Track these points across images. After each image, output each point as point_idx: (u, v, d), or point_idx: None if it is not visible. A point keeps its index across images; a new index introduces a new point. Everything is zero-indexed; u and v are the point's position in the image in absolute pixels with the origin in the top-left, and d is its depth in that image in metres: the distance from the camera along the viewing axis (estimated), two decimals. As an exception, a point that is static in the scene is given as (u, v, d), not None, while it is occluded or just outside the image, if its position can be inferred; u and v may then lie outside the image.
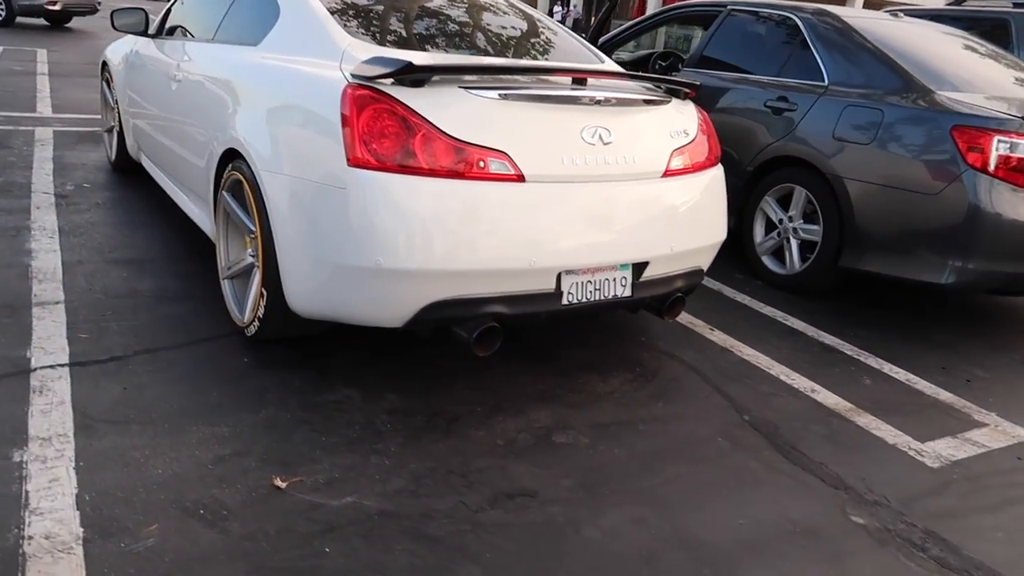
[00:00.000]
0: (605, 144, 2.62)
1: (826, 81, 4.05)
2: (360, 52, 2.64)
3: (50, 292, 3.15)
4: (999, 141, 3.34)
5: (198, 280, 3.45)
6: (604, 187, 2.58)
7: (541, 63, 2.68)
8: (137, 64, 4.38)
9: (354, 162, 2.33)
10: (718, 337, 3.43)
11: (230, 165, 2.91)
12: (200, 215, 3.45)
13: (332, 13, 2.88)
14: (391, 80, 2.38)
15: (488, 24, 3.24)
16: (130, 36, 4.67)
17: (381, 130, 2.35)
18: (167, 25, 4.28)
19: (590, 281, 2.61)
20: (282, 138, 2.56)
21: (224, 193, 3.00)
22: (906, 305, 4.21)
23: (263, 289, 2.69)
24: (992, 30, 5.35)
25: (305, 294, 2.53)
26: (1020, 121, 3.36)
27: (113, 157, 5.05)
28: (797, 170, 4.07)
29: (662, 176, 2.75)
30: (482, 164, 2.41)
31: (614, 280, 2.67)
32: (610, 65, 3.35)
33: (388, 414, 2.52)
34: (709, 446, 2.54)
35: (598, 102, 2.64)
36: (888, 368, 3.31)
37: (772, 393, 2.97)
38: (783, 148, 4.11)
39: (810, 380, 3.12)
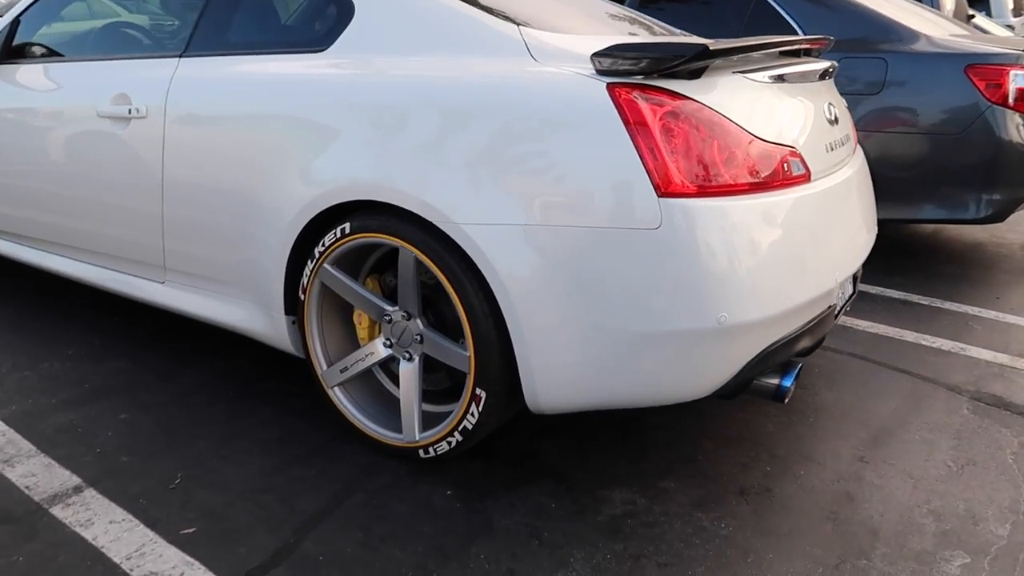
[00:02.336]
0: (835, 124, 2.22)
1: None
2: (542, 41, 1.93)
3: None
4: (1016, 75, 3.51)
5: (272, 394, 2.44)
6: (847, 174, 2.18)
7: (777, 37, 2.12)
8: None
9: (669, 190, 1.68)
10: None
11: (337, 230, 2.02)
12: (220, 306, 2.41)
13: None
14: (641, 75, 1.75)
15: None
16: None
17: (693, 142, 1.71)
18: (21, 41, 2.94)
19: (841, 292, 2.20)
20: (506, 175, 1.78)
21: (329, 268, 2.08)
22: (941, 250, 4.38)
23: (477, 390, 1.90)
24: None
25: (568, 383, 1.81)
26: (1024, 54, 3.57)
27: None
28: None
29: (853, 155, 2.41)
30: (786, 168, 1.89)
31: (844, 290, 2.27)
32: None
33: (700, 508, 1.92)
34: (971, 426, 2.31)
35: (826, 74, 2.22)
36: (969, 308, 3.37)
37: (942, 360, 2.82)
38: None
39: (949, 340, 3.03)
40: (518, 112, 1.78)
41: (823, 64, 2.21)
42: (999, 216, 3.67)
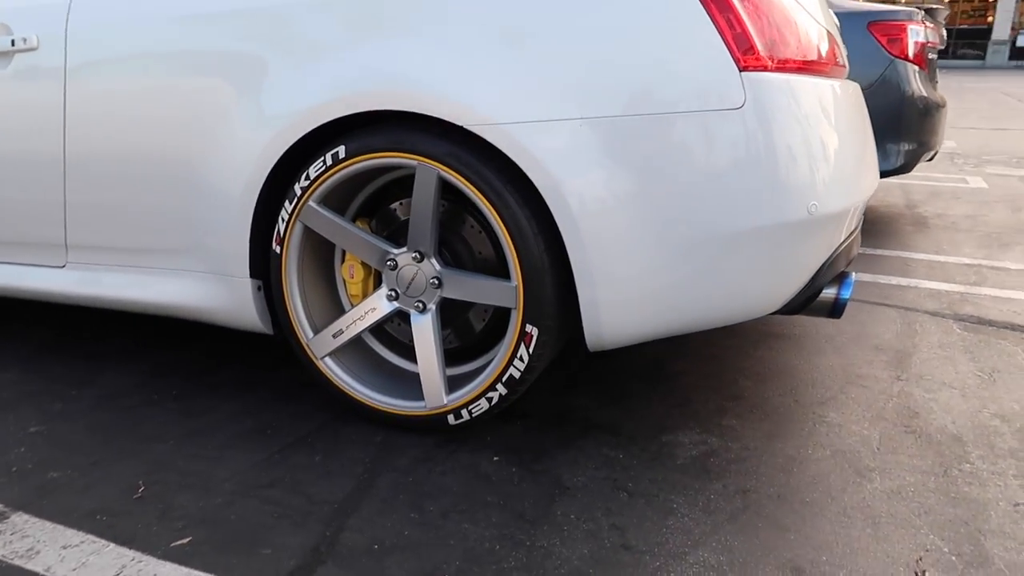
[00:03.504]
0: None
1: None
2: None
3: None
4: (913, 29, 3.69)
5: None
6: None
7: None
8: None
9: (751, 64, 1.47)
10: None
11: (327, 156, 1.65)
12: (150, 283, 1.92)
13: None
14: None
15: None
16: None
17: (765, 10, 1.52)
18: None
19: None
20: (551, 59, 1.49)
21: (315, 207, 1.70)
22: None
23: (528, 327, 1.58)
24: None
25: (639, 308, 1.54)
26: (918, 11, 3.76)
27: None
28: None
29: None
30: (838, 55, 1.75)
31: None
32: None
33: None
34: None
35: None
36: (902, 253, 3.46)
37: (908, 293, 2.83)
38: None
39: (903, 277, 3.07)
40: (559, -10, 1.52)
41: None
42: (908, 166, 3.83)
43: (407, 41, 1.58)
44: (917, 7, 3.92)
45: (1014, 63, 28.45)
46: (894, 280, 3.00)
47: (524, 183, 1.54)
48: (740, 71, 1.46)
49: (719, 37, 1.46)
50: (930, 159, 4.07)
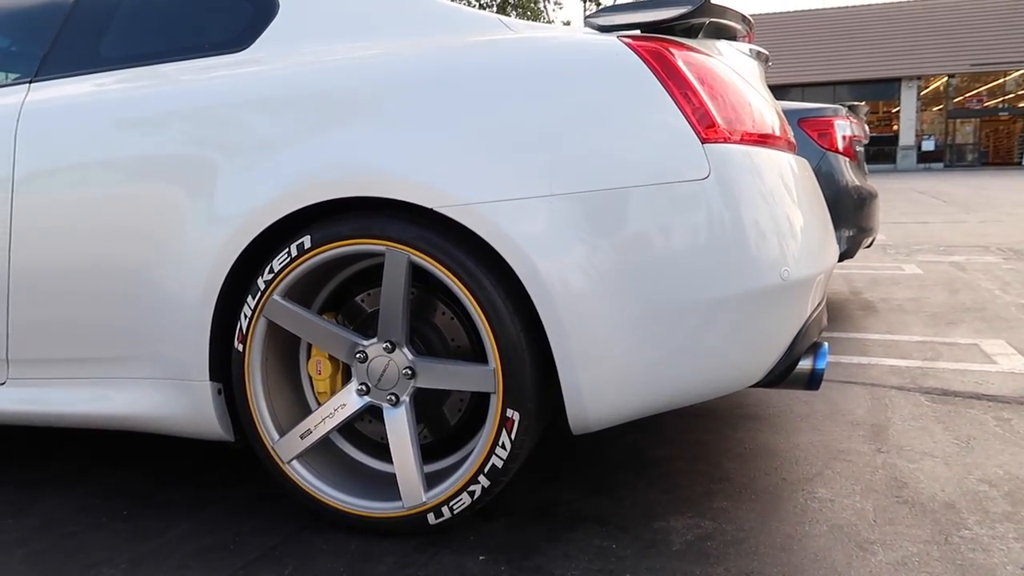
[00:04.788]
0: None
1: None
2: (515, 21, 1.75)
3: None
4: (839, 124, 3.91)
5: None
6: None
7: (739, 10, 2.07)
8: None
9: (712, 135, 1.50)
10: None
11: (291, 247, 1.60)
12: (98, 395, 1.80)
13: None
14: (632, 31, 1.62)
15: None
16: None
17: (720, 89, 1.57)
18: None
19: None
20: (516, 140, 1.50)
21: (279, 300, 1.63)
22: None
23: (509, 412, 1.51)
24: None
25: (621, 385, 1.50)
26: (842, 108, 4.00)
27: None
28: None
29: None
30: (787, 131, 1.81)
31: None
32: None
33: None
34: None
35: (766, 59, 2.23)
36: (858, 335, 3.52)
37: (870, 370, 2.85)
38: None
39: (862, 356, 3.10)
40: (522, 70, 1.54)
41: (764, 50, 2.24)
42: (850, 252, 3.96)
43: (364, 126, 1.58)
44: (840, 104, 4.18)
45: (922, 166, 30.58)
46: (855, 359, 3.03)
47: (497, 262, 1.52)
48: (703, 143, 1.50)
49: (680, 113, 1.50)
50: (868, 245, 4.23)
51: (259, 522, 1.75)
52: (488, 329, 1.51)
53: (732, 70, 1.68)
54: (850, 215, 3.89)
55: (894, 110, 31.00)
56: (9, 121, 1.86)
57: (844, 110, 4.01)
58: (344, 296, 1.83)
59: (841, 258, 3.94)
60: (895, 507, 1.70)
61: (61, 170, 1.79)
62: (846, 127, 3.95)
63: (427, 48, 1.64)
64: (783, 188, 1.60)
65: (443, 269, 1.52)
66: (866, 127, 4.54)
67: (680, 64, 1.54)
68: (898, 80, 30.04)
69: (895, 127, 31.07)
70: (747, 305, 1.51)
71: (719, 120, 1.53)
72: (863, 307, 4.18)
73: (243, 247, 1.62)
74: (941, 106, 31.50)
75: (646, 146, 1.49)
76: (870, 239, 4.13)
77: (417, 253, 1.54)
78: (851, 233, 3.88)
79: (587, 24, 1.65)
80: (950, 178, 20.67)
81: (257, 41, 1.79)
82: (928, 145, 30.88)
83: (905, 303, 4.23)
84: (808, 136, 3.89)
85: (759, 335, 1.55)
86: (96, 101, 1.81)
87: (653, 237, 1.47)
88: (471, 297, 1.51)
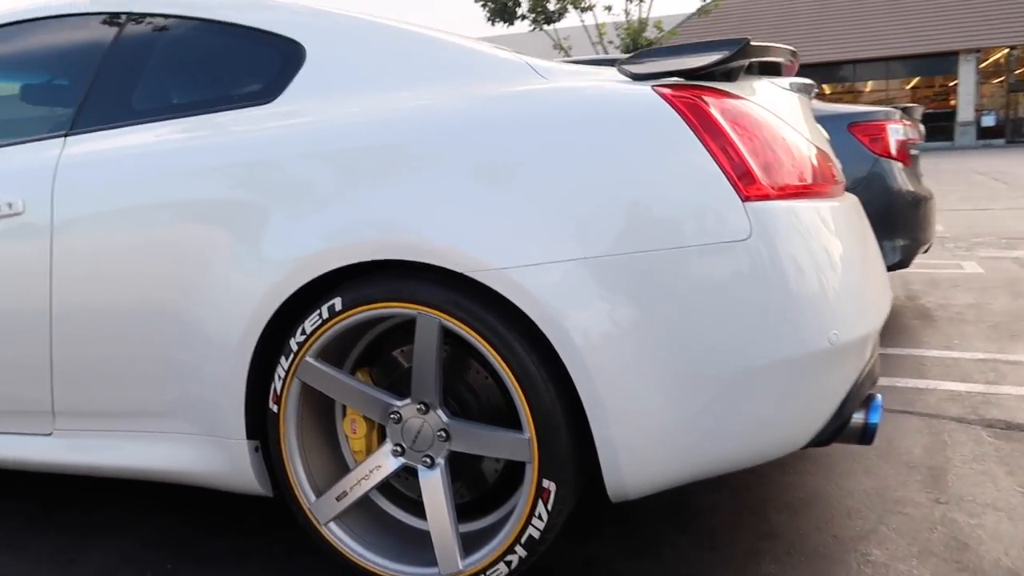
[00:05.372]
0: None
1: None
2: (545, 65, 1.69)
3: None
4: (892, 128, 3.75)
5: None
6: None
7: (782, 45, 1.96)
8: None
9: (753, 193, 1.43)
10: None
11: (323, 309, 1.58)
12: (141, 450, 1.81)
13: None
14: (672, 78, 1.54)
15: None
16: None
17: (761, 139, 1.49)
18: None
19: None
20: (548, 201, 1.44)
21: (312, 362, 1.61)
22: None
23: (544, 482, 1.47)
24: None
25: (661, 454, 1.44)
26: (895, 111, 3.83)
27: None
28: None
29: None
30: (835, 174, 1.72)
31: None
32: None
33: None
34: None
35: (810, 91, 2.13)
36: (914, 351, 3.38)
37: (928, 397, 2.73)
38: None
39: (920, 379, 2.97)
40: (552, 124, 1.49)
41: (809, 81, 2.13)
42: (905, 262, 3.80)
43: (401, 188, 1.54)
44: (894, 107, 4.00)
45: (982, 142, 29.39)
46: (911, 383, 2.90)
47: (530, 328, 1.47)
48: (743, 200, 1.42)
49: (718, 169, 1.43)
50: (925, 251, 4.06)
51: (297, 579, 1.74)
52: (522, 397, 1.47)
53: (774, 115, 1.59)
54: (904, 224, 3.73)
55: (951, 84, 29.85)
56: (47, 174, 1.87)
57: (897, 113, 3.84)
58: (381, 348, 1.81)
59: (896, 267, 3.79)
60: (954, 574, 1.62)
61: (102, 218, 1.79)
62: (899, 131, 3.78)
63: (458, 100, 1.59)
64: (830, 244, 1.52)
65: (474, 334, 1.48)
66: (921, 128, 4.34)
67: (718, 115, 1.46)
68: (955, 53, 28.87)
69: (952, 102, 29.91)
70: (792, 372, 1.44)
71: (760, 175, 1.45)
72: (920, 315, 4.02)
73: (279, 303, 1.60)
74: (1002, 79, 30.22)
75: (683, 205, 1.42)
76: (926, 246, 3.97)
77: (448, 317, 1.50)
78: (905, 242, 3.72)
79: (620, 70, 1.58)
80: (1012, 156, 19.84)
81: (286, 92, 1.76)
82: (988, 121, 29.63)
83: (965, 310, 4.05)
84: (859, 142, 3.73)
85: (806, 400, 1.48)
86: (131, 155, 1.80)
87: (691, 301, 1.41)
88: (503, 363, 1.47)
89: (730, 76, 1.59)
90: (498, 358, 1.47)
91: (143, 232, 1.74)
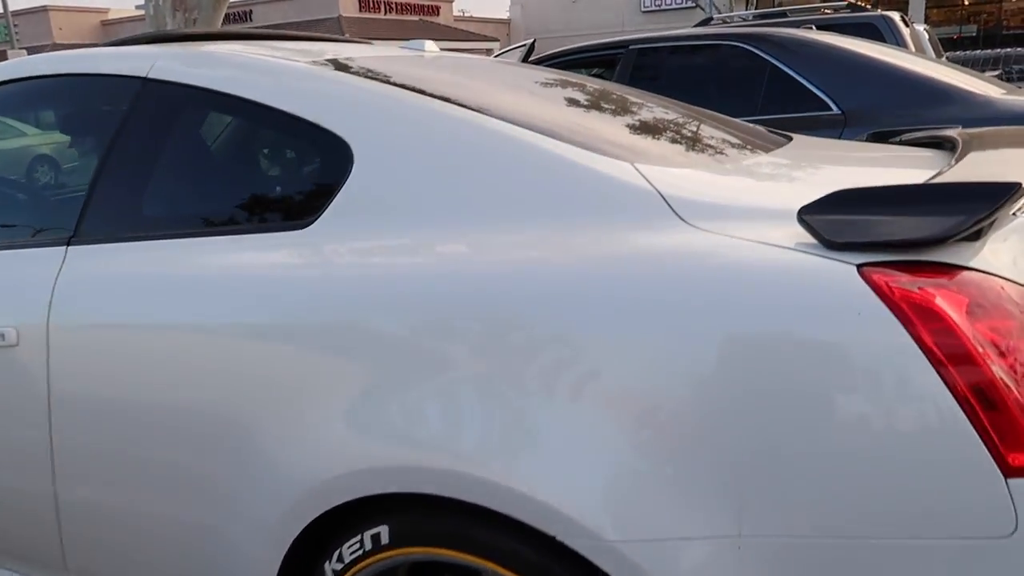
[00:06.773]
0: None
1: (837, 109, 3.39)
2: (677, 187, 1.16)
3: None
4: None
5: None
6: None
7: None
8: None
9: (1021, 463, 0.90)
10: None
11: (365, 538, 1.16)
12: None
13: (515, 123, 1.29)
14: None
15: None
16: None
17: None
18: None
19: None
20: (689, 448, 0.96)
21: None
22: None
23: None
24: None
25: None
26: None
27: None
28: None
29: None
30: None
31: None
32: None
33: None
34: None
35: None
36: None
37: None
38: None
39: None
40: (703, 313, 0.98)
41: None
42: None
43: (475, 390, 1.08)
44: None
45: None
46: None
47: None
48: (1006, 477, 0.89)
49: (964, 417, 0.89)
50: None
51: None
52: None
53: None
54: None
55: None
56: (43, 294, 1.50)
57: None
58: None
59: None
60: None
61: (118, 348, 1.41)
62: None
63: (572, 258, 1.09)
64: None
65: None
66: None
67: (968, 331, 0.91)
68: None
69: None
70: None
71: (1035, 439, 0.90)
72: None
73: (310, 520, 1.20)
74: None
75: (902, 472, 0.91)
76: None
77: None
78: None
79: (801, 218, 1.02)
80: None
81: (325, 214, 1.30)
82: None
83: None
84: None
85: None
86: (146, 279, 1.40)
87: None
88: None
89: (978, 234, 1.02)
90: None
91: (161, 380, 1.34)
